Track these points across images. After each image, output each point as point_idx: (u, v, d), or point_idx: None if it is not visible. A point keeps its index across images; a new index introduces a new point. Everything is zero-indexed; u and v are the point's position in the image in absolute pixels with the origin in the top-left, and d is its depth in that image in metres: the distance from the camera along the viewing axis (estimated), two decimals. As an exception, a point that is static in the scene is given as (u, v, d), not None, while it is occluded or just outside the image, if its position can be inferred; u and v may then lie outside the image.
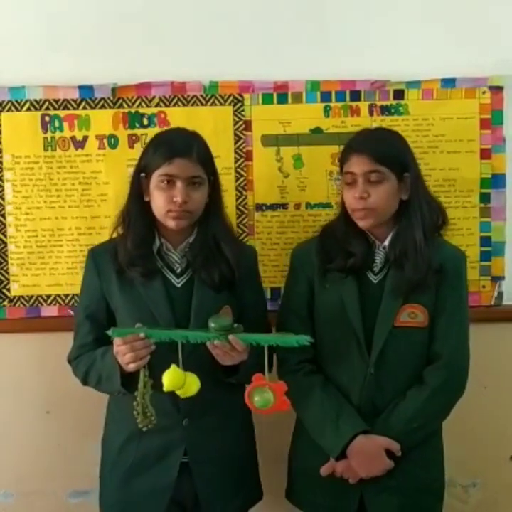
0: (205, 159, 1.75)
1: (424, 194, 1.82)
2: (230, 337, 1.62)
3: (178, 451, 1.77)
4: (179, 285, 1.78)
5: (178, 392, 1.64)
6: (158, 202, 1.73)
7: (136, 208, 1.77)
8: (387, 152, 1.76)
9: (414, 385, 1.79)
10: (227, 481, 1.82)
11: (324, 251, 1.83)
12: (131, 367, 1.63)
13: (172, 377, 1.62)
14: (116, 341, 1.63)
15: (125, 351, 1.62)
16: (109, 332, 1.65)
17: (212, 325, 1.63)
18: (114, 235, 1.83)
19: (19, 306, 2.18)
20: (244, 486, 1.88)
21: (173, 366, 1.63)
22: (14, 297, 2.18)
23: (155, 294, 1.75)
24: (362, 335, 1.78)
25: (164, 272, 1.78)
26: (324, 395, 1.80)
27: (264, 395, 1.62)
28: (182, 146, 1.72)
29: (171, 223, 1.73)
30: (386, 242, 1.80)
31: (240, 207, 2.17)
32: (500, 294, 2.20)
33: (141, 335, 1.62)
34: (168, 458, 1.77)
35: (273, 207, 2.18)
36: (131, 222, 1.77)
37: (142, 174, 1.75)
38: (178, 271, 1.79)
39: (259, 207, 2.18)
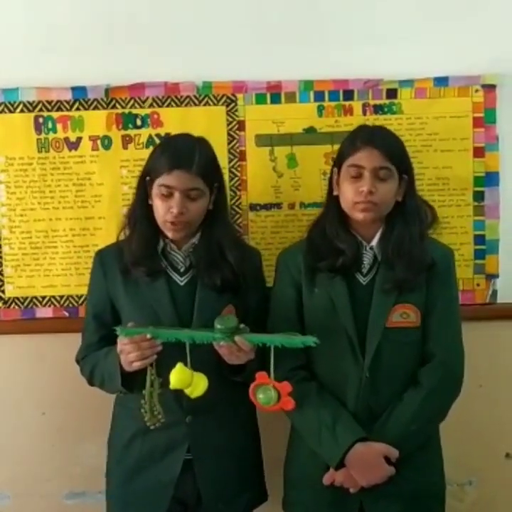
0: (207, 170, 1.76)
1: (418, 196, 1.83)
2: (236, 338, 1.64)
3: (182, 448, 1.79)
4: (182, 283, 1.81)
5: (186, 392, 1.66)
6: (158, 210, 1.76)
7: (141, 210, 1.80)
8: (397, 151, 1.76)
9: (410, 387, 1.77)
10: (230, 479, 1.83)
11: (313, 250, 1.81)
12: (135, 365, 1.65)
13: (178, 375, 1.64)
14: (122, 340, 1.66)
15: (130, 350, 1.64)
16: (118, 330, 1.67)
17: (218, 326, 1.64)
18: (121, 236, 1.86)
19: (14, 307, 2.18)
20: (248, 486, 1.88)
21: (179, 364, 1.65)
22: (9, 299, 2.17)
23: (158, 293, 1.78)
24: (355, 337, 1.75)
25: (168, 271, 1.80)
26: (319, 402, 1.77)
27: (267, 392, 1.66)
28: (183, 158, 1.73)
29: (169, 233, 1.77)
30: (373, 243, 1.79)
31: (234, 207, 2.17)
32: (495, 292, 2.20)
33: (148, 335, 1.64)
34: (171, 454, 1.79)
35: (267, 207, 2.18)
36: (137, 224, 1.81)
37: (148, 178, 1.78)
38: (182, 270, 1.81)
39: (253, 207, 2.18)
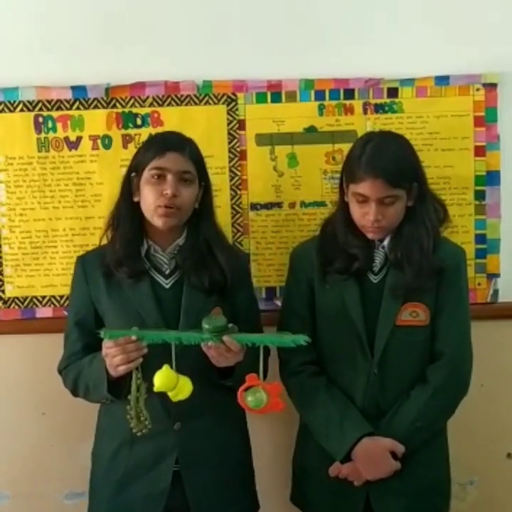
0: (198, 159, 1.76)
1: (430, 197, 1.81)
2: (225, 338, 1.59)
3: (171, 458, 1.74)
4: (168, 286, 1.77)
5: (169, 395, 1.61)
6: (148, 197, 1.72)
7: (125, 209, 1.77)
8: (402, 173, 1.71)
9: (418, 384, 1.78)
10: (219, 490, 1.77)
11: (324, 252, 1.82)
12: (121, 369, 1.60)
13: (163, 378, 1.59)
14: (107, 343, 1.60)
15: (115, 353, 1.59)
16: (101, 333, 1.62)
17: (205, 326, 1.59)
18: (104, 241, 1.83)
19: (14, 307, 2.17)
20: (239, 496, 1.83)
21: (165, 366, 1.59)
22: (9, 299, 2.17)
23: (142, 296, 1.74)
24: (364, 335, 1.77)
25: (152, 274, 1.77)
26: (328, 397, 1.79)
27: (257, 395, 1.60)
28: (175, 141, 1.74)
29: (158, 221, 1.72)
30: (385, 242, 1.79)
31: (235, 206, 2.17)
32: (496, 292, 2.20)
33: (133, 337, 1.59)
34: (161, 465, 1.74)
35: (268, 206, 2.18)
36: (120, 223, 1.77)
37: (133, 174, 1.76)
38: (167, 272, 1.78)
39: (254, 206, 2.18)
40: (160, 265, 1.78)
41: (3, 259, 2.15)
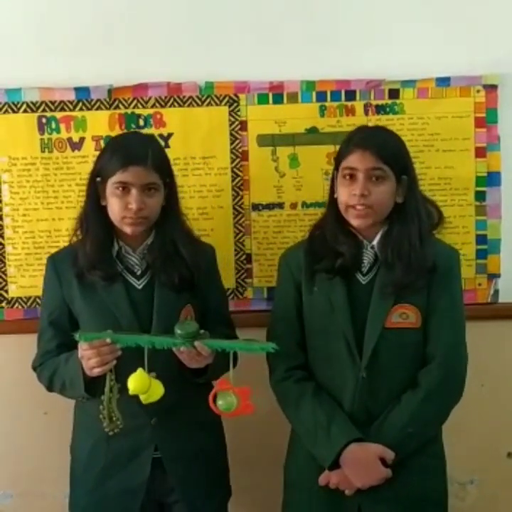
0: (161, 165, 1.76)
1: (421, 197, 1.81)
2: (196, 343, 1.63)
3: (149, 449, 1.78)
4: (140, 287, 1.79)
5: (141, 397, 1.65)
6: (114, 208, 1.74)
7: (94, 212, 1.78)
8: (391, 151, 1.74)
9: (409, 389, 1.75)
10: (202, 477, 1.83)
11: (313, 251, 1.81)
12: (96, 371, 1.64)
13: (137, 381, 1.63)
14: (83, 346, 1.64)
15: (91, 356, 1.62)
16: (76, 336, 1.65)
17: (178, 331, 1.64)
18: (74, 240, 1.84)
19: (17, 307, 2.18)
20: (220, 482, 1.90)
21: (139, 370, 1.63)
22: (12, 299, 2.18)
23: (116, 297, 1.76)
24: (352, 338, 1.74)
25: (124, 275, 1.79)
26: (315, 402, 1.76)
27: (227, 398, 1.64)
28: (137, 153, 1.72)
29: (127, 229, 1.74)
30: (374, 242, 1.77)
31: (237, 207, 2.18)
32: (496, 292, 2.21)
33: (108, 340, 1.63)
34: (139, 457, 1.78)
35: (269, 206, 2.19)
36: (89, 227, 1.78)
37: (98, 178, 1.76)
38: (139, 273, 1.80)
39: (256, 206, 2.18)
40: (131, 266, 1.80)
41: (6, 259, 2.16)
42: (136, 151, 1.73)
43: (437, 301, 1.76)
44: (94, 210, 1.78)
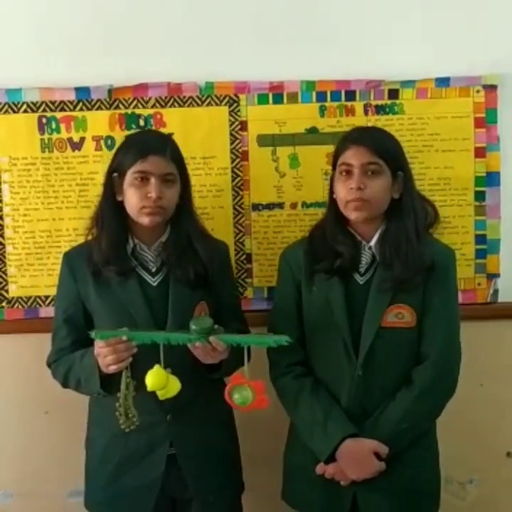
0: (178, 158, 1.79)
1: (417, 195, 1.84)
2: (211, 338, 1.65)
3: (164, 445, 1.80)
4: (155, 284, 1.81)
5: (158, 393, 1.67)
6: (133, 199, 1.75)
7: (109, 209, 1.80)
8: (386, 147, 1.78)
9: (403, 386, 1.78)
10: (216, 472, 1.85)
11: (312, 251, 1.84)
12: (112, 369, 1.66)
13: (156, 378, 1.65)
14: (99, 343, 1.65)
15: (107, 353, 1.64)
16: (92, 334, 1.67)
17: (193, 327, 1.66)
18: (89, 238, 1.85)
19: (18, 307, 2.18)
20: (232, 478, 1.92)
21: (156, 366, 1.65)
22: (12, 298, 2.18)
23: (131, 294, 1.78)
24: (349, 337, 1.78)
25: (139, 272, 1.80)
26: (313, 397, 1.80)
27: (243, 392, 1.66)
28: (156, 144, 1.76)
29: (144, 220, 1.75)
30: (372, 242, 1.80)
31: (237, 207, 2.18)
32: (496, 292, 2.22)
33: (124, 338, 1.64)
34: (154, 453, 1.80)
35: (269, 206, 2.19)
36: (105, 223, 1.80)
37: (115, 174, 1.78)
38: (153, 270, 1.81)
39: (256, 206, 2.19)
40: (146, 263, 1.81)
41: (7, 259, 2.17)
42: (155, 141, 1.78)
43: (432, 299, 1.79)
44: (110, 207, 1.79)
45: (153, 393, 1.67)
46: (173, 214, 1.80)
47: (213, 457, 1.84)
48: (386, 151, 1.77)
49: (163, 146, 1.76)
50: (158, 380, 1.65)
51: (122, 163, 1.77)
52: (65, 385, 1.85)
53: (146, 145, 1.76)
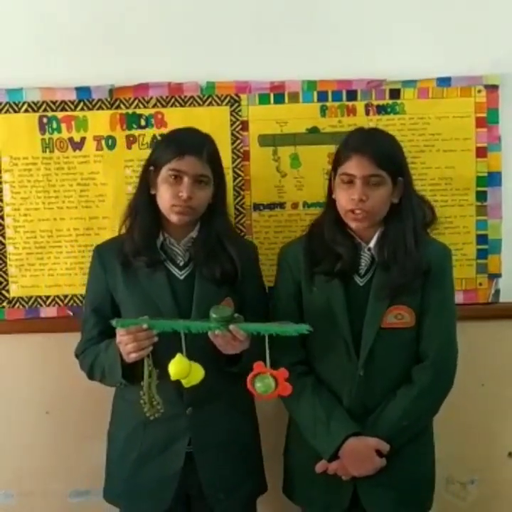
0: (214, 160, 1.81)
1: (415, 197, 1.84)
2: (231, 326, 1.66)
3: (183, 440, 1.81)
4: (182, 277, 1.83)
5: (182, 381, 1.68)
6: (165, 195, 1.78)
7: (143, 200, 1.83)
8: (388, 156, 1.77)
9: (403, 385, 1.81)
10: (231, 470, 1.85)
11: (311, 252, 1.84)
12: (133, 356, 1.68)
13: (178, 366, 1.66)
14: (120, 331, 1.68)
15: (127, 341, 1.66)
16: (113, 322, 1.69)
17: (213, 315, 1.66)
18: (122, 231, 1.88)
19: (18, 307, 2.18)
20: (249, 477, 1.91)
21: (178, 355, 1.66)
22: (13, 298, 2.18)
23: (158, 287, 1.80)
24: (350, 338, 1.80)
25: (167, 265, 1.82)
26: (315, 397, 1.82)
27: (265, 381, 1.67)
28: (194, 144, 1.78)
29: (174, 217, 1.78)
30: (371, 244, 1.81)
31: (238, 206, 2.18)
32: (497, 292, 2.21)
33: (144, 326, 1.66)
34: (174, 446, 1.81)
35: (270, 206, 2.19)
36: (139, 214, 1.83)
37: (151, 168, 1.80)
38: (181, 264, 1.83)
39: (257, 206, 2.19)
40: (174, 257, 1.84)
41: (7, 259, 2.16)
42: (194, 141, 1.79)
43: (430, 300, 1.81)
44: (144, 199, 1.82)
45: (173, 384, 1.68)
46: (205, 212, 1.82)
47: (232, 454, 1.84)
48: (388, 161, 1.76)
49: (201, 147, 1.78)
50: (181, 368, 1.66)
51: (159, 159, 1.79)
52: (90, 375, 1.86)
53: (184, 144, 1.78)
